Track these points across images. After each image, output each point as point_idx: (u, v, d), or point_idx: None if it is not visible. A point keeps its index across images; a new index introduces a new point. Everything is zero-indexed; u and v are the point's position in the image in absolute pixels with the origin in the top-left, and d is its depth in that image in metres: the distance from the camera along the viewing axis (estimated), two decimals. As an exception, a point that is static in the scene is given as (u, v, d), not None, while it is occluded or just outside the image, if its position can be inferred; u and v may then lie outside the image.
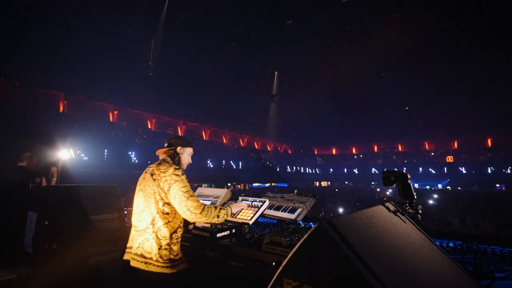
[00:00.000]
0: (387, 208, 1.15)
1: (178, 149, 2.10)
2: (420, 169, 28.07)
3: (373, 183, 29.98)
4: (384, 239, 0.84)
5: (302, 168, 32.23)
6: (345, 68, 18.51)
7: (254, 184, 25.22)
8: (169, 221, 1.86)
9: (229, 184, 22.73)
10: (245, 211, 2.04)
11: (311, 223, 2.23)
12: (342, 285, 0.63)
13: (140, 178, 2.07)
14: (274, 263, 1.60)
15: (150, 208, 1.88)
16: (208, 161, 20.81)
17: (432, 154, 29.46)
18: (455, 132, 27.01)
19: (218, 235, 2.04)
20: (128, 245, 2.01)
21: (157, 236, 1.82)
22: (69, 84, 15.61)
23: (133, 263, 1.87)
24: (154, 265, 1.78)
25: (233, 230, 2.15)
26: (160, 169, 1.95)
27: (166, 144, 2.14)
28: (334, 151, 36.66)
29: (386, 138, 30.85)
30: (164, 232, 1.83)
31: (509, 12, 11.75)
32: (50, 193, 2.46)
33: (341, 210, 11.64)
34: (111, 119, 19.95)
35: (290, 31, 15.63)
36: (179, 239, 1.91)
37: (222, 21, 15.05)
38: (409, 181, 1.14)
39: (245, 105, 24.24)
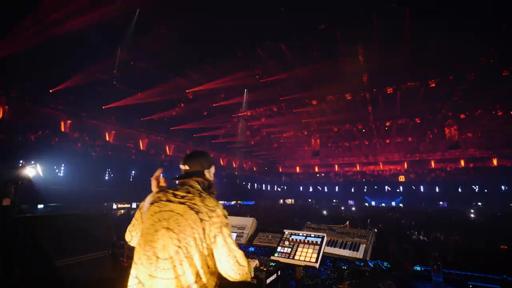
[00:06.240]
0: None
1: (206, 172, 1.62)
2: (375, 187, 30.28)
3: (334, 200, 30.98)
4: None
5: (269, 185, 32.32)
6: (311, 89, 19.30)
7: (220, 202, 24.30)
8: (211, 276, 1.36)
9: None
10: (304, 250, 1.65)
11: (379, 261, 1.87)
12: None
13: (154, 207, 1.45)
14: None
15: (194, 256, 1.32)
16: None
17: (386, 173, 31.75)
18: (405, 153, 29.73)
19: (268, 280, 1.61)
20: None
21: None
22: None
23: None
24: None
25: (279, 272, 1.73)
26: (207, 205, 1.42)
27: (186, 167, 1.60)
28: (298, 169, 37.40)
29: (347, 157, 32.53)
30: None
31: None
32: (21, 226, 1.78)
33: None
34: (62, 129, 17.86)
35: (262, 50, 15.88)
36: None
37: (192, 37, 14.70)
38: None
39: (213, 121, 23.77)
